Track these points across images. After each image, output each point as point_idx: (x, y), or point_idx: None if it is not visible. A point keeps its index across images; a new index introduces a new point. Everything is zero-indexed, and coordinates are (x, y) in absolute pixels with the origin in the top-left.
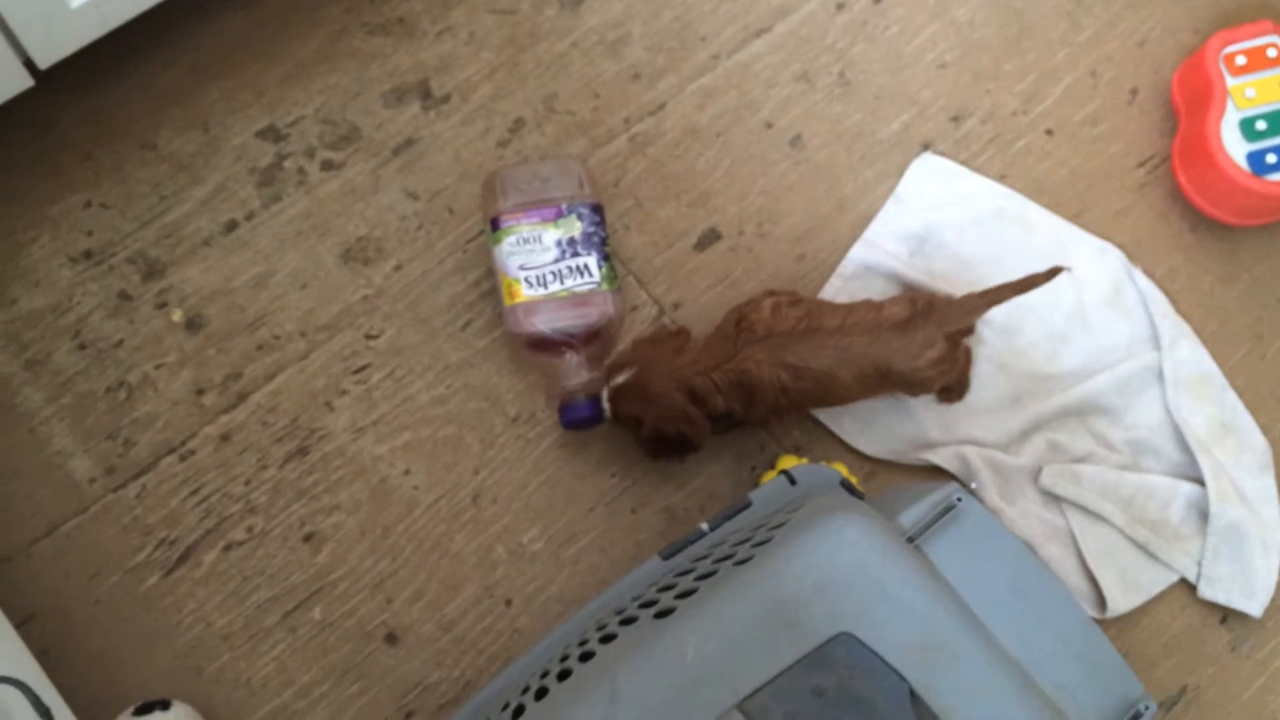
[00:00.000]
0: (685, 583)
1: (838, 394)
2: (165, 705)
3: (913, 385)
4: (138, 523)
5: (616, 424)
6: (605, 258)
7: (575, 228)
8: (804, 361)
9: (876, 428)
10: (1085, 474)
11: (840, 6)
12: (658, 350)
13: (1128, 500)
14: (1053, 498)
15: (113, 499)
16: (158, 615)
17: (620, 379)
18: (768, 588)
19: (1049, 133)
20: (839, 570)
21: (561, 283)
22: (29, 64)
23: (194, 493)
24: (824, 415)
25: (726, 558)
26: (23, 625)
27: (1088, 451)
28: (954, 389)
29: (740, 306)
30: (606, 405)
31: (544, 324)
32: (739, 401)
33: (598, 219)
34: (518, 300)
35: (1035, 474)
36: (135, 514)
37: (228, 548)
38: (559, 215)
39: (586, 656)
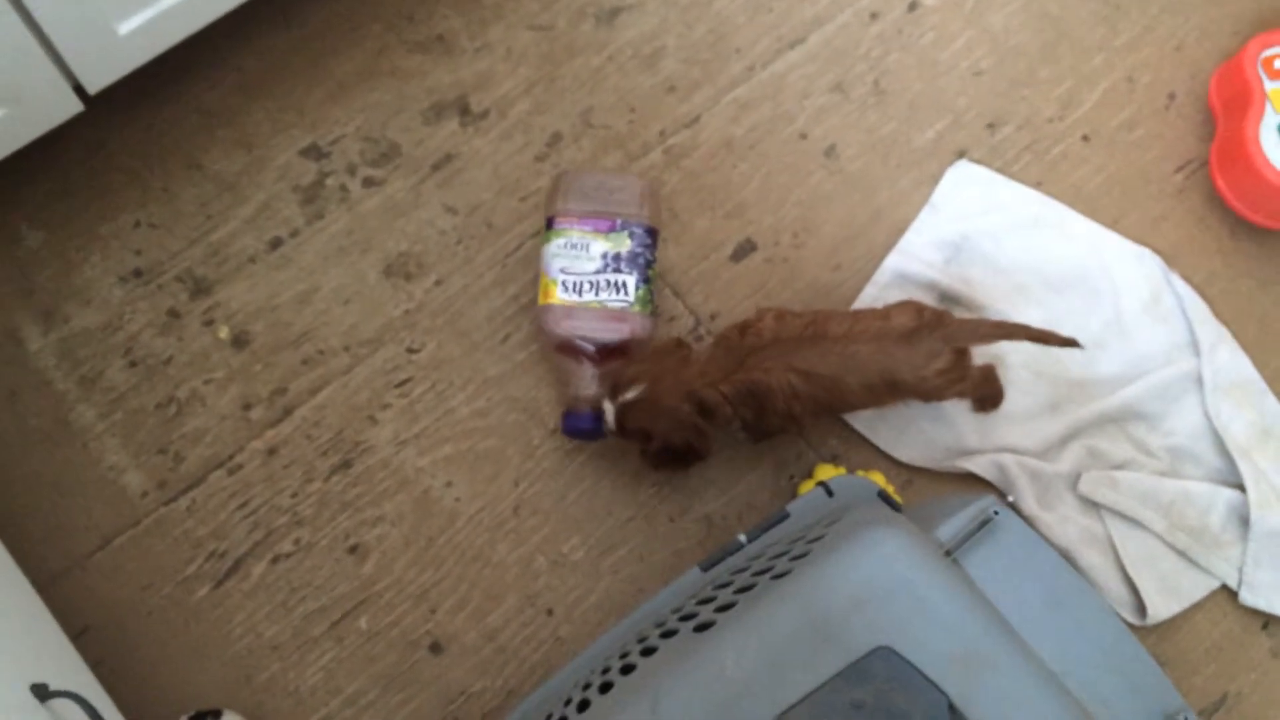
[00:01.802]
0: (724, 595)
1: (847, 400)
2: (217, 714)
3: (922, 394)
4: (188, 536)
5: (622, 438)
6: (646, 280)
7: (624, 244)
8: (811, 366)
9: (913, 435)
10: (1124, 480)
11: (874, 16)
12: (663, 364)
13: (1167, 506)
14: (1091, 504)
15: (164, 512)
16: (208, 626)
17: (630, 394)
18: (806, 602)
19: (1085, 139)
20: (877, 584)
21: (596, 294)
22: (79, 89)
23: (242, 506)
24: (860, 423)
25: (765, 571)
26: (79, 637)
27: (1127, 458)
28: (987, 400)
29: (742, 321)
30: (611, 421)
31: (568, 329)
32: (750, 410)
33: (649, 241)
34: (550, 301)
35: (1074, 481)
36: (186, 527)
37: (275, 559)
38: (611, 229)
39: (628, 669)
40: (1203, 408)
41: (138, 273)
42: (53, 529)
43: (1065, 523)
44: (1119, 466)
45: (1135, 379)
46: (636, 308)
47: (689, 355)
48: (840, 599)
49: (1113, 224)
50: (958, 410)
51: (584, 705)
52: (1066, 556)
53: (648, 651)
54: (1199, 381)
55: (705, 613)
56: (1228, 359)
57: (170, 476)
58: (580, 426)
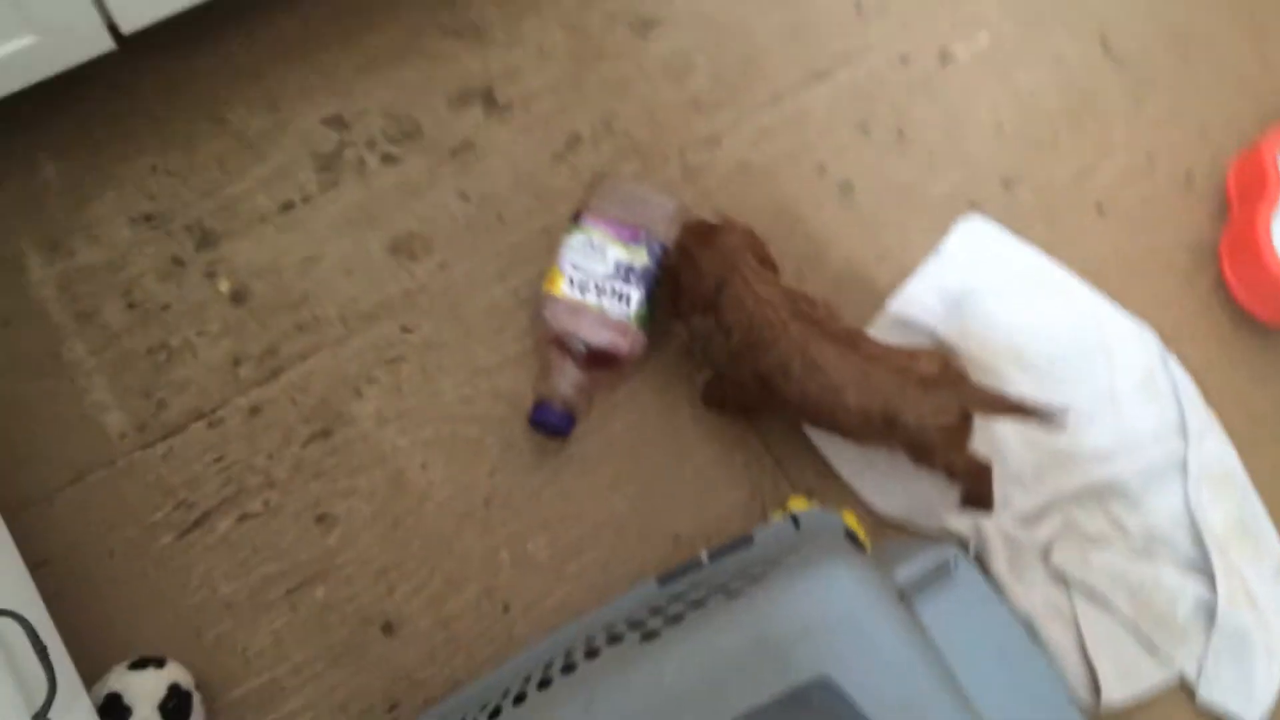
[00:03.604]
0: (675, 608)
1: (834, 414)
2: (160, 663)
3: (915, 444)
4: (160, 482)
5: (665, 277)
6: (651, 299)
7: (640, 258)
8: (823, 362)
9: (897, 489)
10: (1096, 559)
11: (905, 61)
12: (745, 239)
13: (1135, 589)
14: (1061, 578)
15: (140, 456)
16: (166, 575)
17: (698, 221)
18: (754, 623)
19: (1099, 209)
20: (827, 615)
21: (598, 298)
22: (112, 27)
23: (217, 460)
24: (844, 468)
25: (718, 589)
26: (38, 569)
27: (1101, 533)
28: (976, 499)
29: (802, 290)
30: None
31: (563, 323)
32: (743, 339)
33: None
34: (553, 291)
35: (1046, 551)
36: (159, 473)
37: (242, 518)
38: (632, 239)
39: (569, 669)
40: (1184, 494)
41: (148, 217)
42: (27, 457)
43: (1032, 591)
44: (1094, 541)
45: (1121, 455)
46: (634, 323)
47: (768, 263)
48: (788, 624)
49: (1116, 297)
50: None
51: (520, 698)
52: (1028, 626)
53: (591, 654)
54: (1183, 467)
55: (654, 623)
56: (1214, 449)
57: (151, 421)
58: (548, 420)
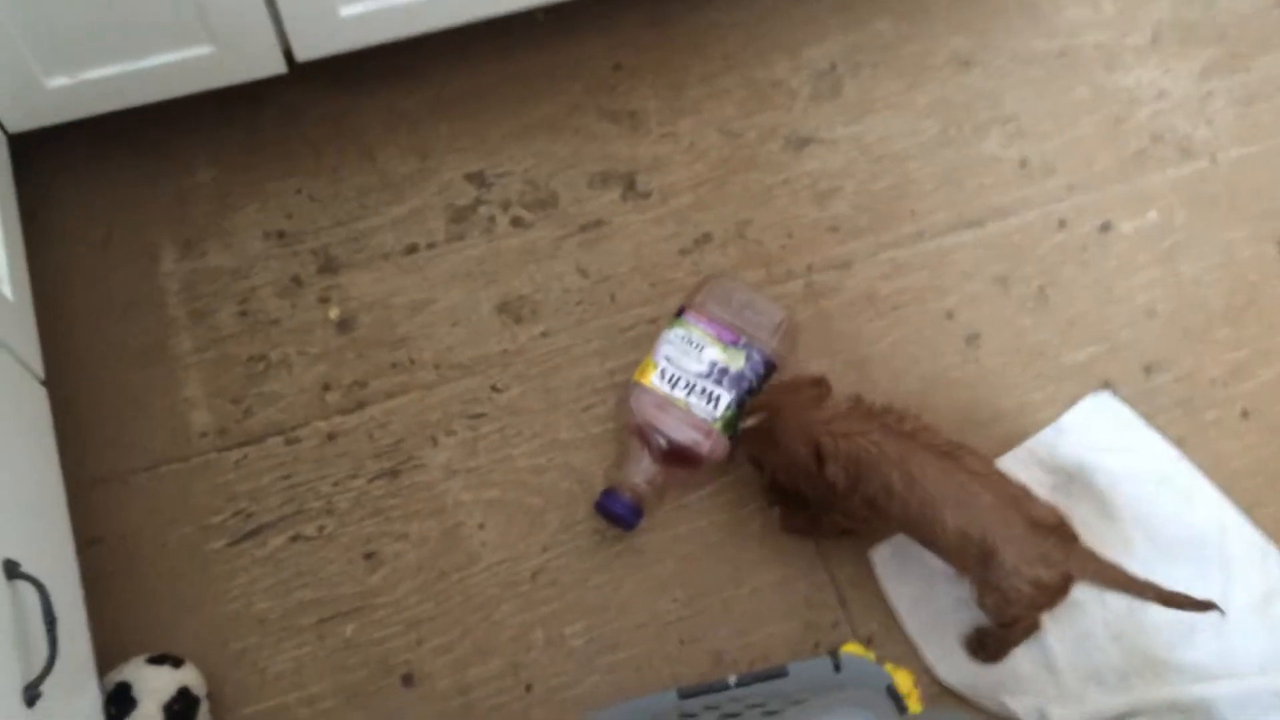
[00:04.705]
0: None
1: (930, 530)
2: (178, 663)
3: (1002, 589)
4: (227, 487)
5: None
6: (739, 406)
7: (738, 362)
8: (923, 477)
9: (961, 658)
10: None
11: (1063, 224)
12: (794, 398)
13: None
14: None
15: (215, 458)
16: (210, 579)
17: (751, 421)
18: None
19: (1245, 414)
20: None
21: (687, 395)
22: (288, 53)
23: (285, 477)
24: (912, 623)
25: (732, 715)
26: (91, 545)
27: None
28: (990, 650)
29: (889, 402)
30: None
31: (644, 413)
32: (846, 476)
33: (762, 371)
34: (643, 381)
35: None
36: (228, 478)
37: (295, 538)
38: (733, 343)
39: None
40: None
41: (281, 234)
42: (111, 436)
43: None
44: None
45: (1219, 678)
46: (719, 425)
47: (824, 396)
48: None
49: (1246, 509)
50: (1021, 646)
51: None
52: None
53: None
54: None
55: None
56: None
57: (234, 426)
58: (613, 509)
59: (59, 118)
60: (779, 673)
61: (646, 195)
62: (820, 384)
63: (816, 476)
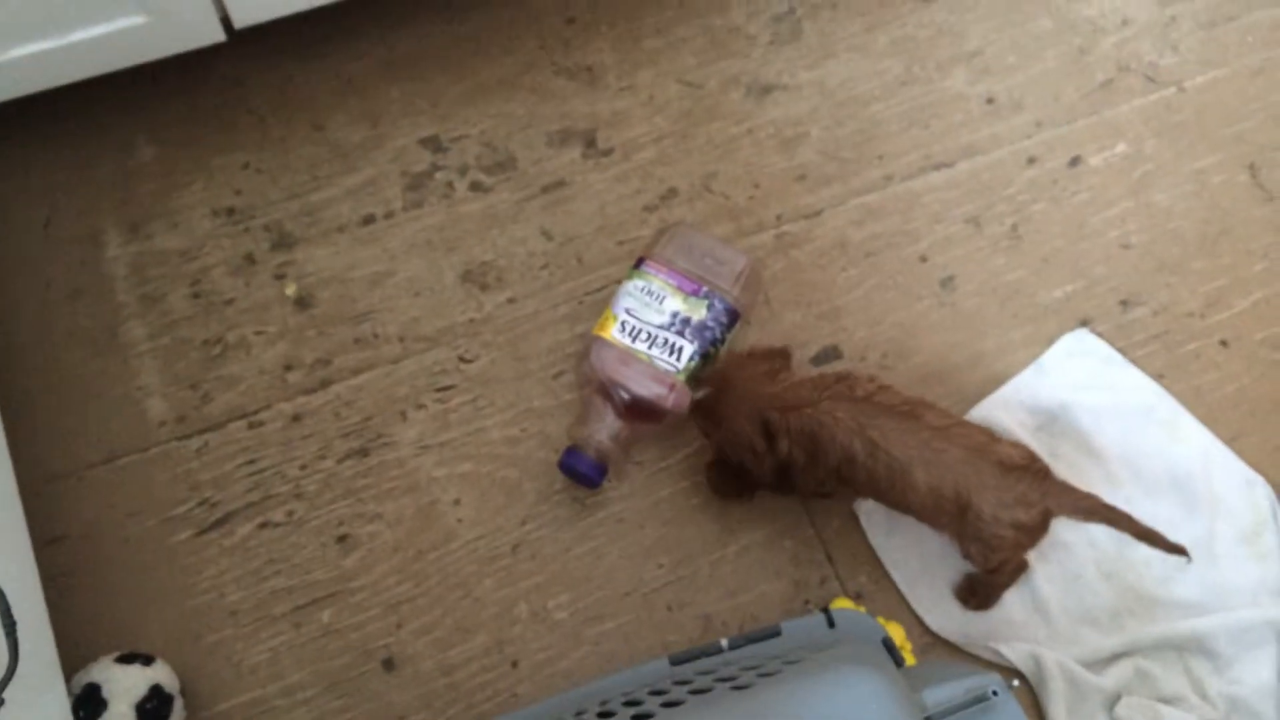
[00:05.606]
0: (677, 692)
1: (902, 494)
2: (148, 660)
3: (984, 537)
4: (189, 476)
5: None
6: (703, 356)
7: (699, 312)
8: (885, 442)
9: (952, 607)
10: (1168, 717)
11: (1032, 160)
12: (744, 373)
13: None
14: None
15: (175, 446)
16: (177, 572)
17: (699, 394)
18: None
19: (1224, 344)
20: None
21: (649, 348)
22: (226, 20)
23: (250, 462)
24: (900, 575)
25: (728, 679)
26: (52, 544)
27: (1178, 694)
28: (980, 596)
29: (845, 369)
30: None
31: (605, 367)
32: (803, 451)
33: (725, 321)
34: (603, 335)
35: (1112, 701)
36: (190, 467)
37: (263, 525)
38: (694, 293)
39: None
40: (1278, 665)
41: (231, 211)
42: (66, 430)
43: None
44: (1167, 700)
45: (1212, 612)
46: (682, 377)
47: (780, 370)
48: None
49: (1230, 441)
50: (1011, 591)
51: None
52: None
53: None
54: None
55: (651, 704)
56: None
57: (192, 413)
58: (577, 468)
59: None
60: (772, 632)
61: (608, 152)
62: (780, 355)
63: (762, 454)
